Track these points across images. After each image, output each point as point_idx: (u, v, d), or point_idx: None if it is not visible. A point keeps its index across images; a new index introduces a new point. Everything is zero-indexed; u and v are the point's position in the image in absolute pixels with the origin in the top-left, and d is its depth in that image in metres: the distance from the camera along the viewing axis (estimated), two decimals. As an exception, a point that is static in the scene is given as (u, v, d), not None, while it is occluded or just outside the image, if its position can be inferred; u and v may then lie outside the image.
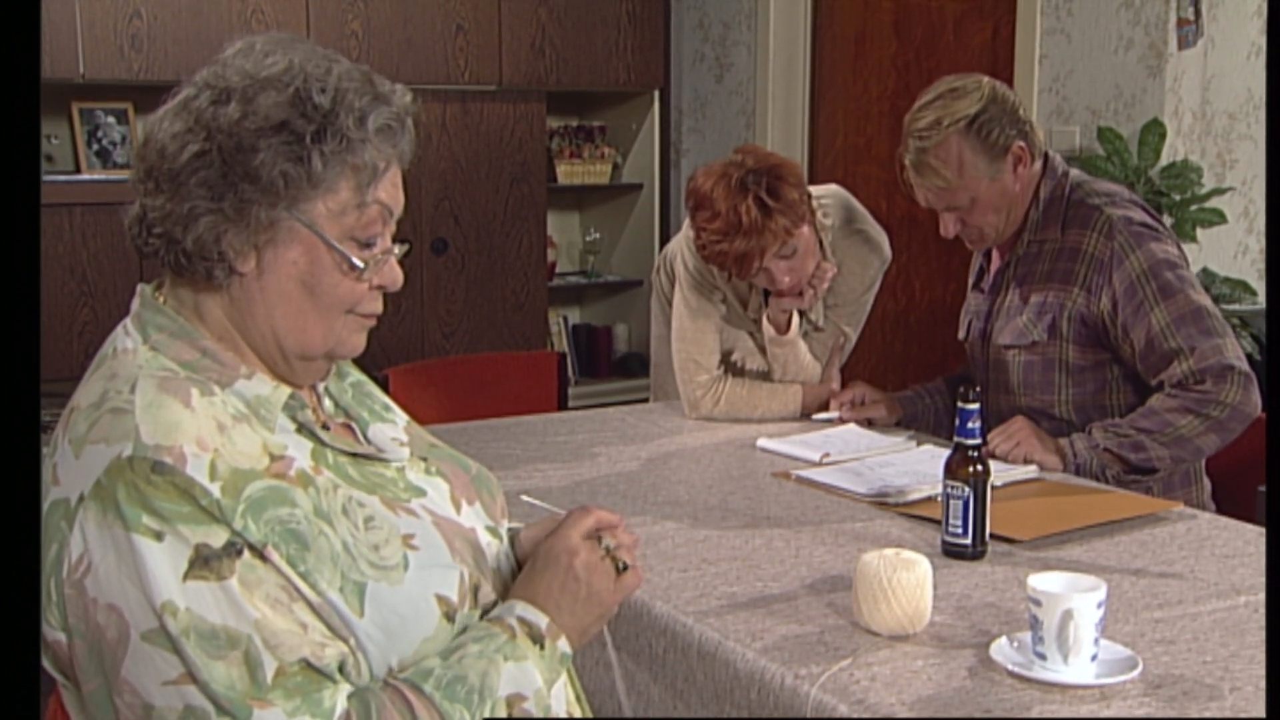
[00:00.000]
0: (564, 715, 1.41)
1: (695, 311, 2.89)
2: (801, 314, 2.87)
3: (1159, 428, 2.40)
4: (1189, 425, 2.39)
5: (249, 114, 1.27)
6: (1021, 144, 2.49)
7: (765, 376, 2.93)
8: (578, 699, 1.46)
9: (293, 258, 1.30)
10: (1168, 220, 3.64)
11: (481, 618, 1.34)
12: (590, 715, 1.49)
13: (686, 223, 2.91)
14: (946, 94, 2.50)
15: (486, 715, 1.26)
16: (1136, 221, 2.48)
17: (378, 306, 1.38)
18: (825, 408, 2.84)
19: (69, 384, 1.39)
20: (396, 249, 1.37)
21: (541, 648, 1.32)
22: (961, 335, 2.78)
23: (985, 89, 2.49)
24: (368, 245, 1.33)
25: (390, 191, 1.35)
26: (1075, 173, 2.61)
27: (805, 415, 2.86)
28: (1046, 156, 2.57)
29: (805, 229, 2.69)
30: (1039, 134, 2.55)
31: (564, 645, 1.34)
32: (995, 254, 2.65)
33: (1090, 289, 2.47)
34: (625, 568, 1.39)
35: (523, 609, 1.34)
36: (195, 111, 1.29)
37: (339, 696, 1.21)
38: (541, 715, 1.31)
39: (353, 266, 1.32)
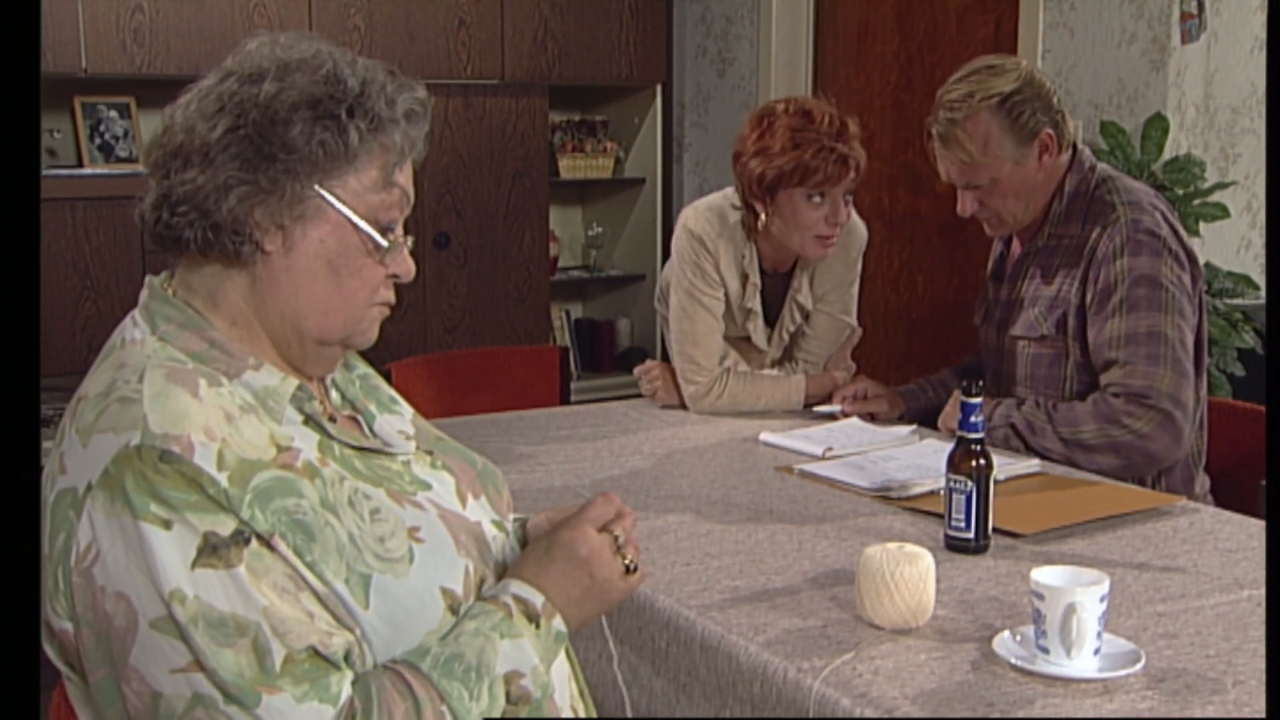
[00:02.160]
0: (568, 705, 1.41)
1: (691, 312, 2.88)
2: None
3: (1067, 422, 2.40)
4: (1091, 433, 2.38)
5: (284, 90, 1.29)
6: (1050, 132, 2.48)
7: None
8: (581, 695, 1.46)
9: (320, 236, 1.32)
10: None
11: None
12: (594, 710, 1.49)
13: (681, 222, 2.91)
14: (984, 70, 2.50)
15: (485, 693, 1.27)
16: (1144, 228, 2.43)
17: (392, 296, 1.40)
18: (829, 399, 2.84)
19: (72, 378, 1.39)
20: (408, 240, 1.38)
21: (537, 626, 1.32)
22: (977, 320, 2.78)
23: (1023, 70, 2.49)
24: (387, 230, 1.36)
25: (408, 179, 1.38)
26: (1104, 168, 2.57)
27: (808, 405, 2.86)
28: (1075, 149, 2.55)
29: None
30: (1070, 126, 2.54)
31: (559, 624, 1.34)
32: (1016, 243, 2.64)
33: (1085, 283, 2.46)
34: (633, 570, 1.39)
35: (518, 586, 1.34)
36: (224, 94, 1.30)
37: (345, 683, 1.22)
38: (540, 693, 1.32)
39: (377, 246, 1.34)
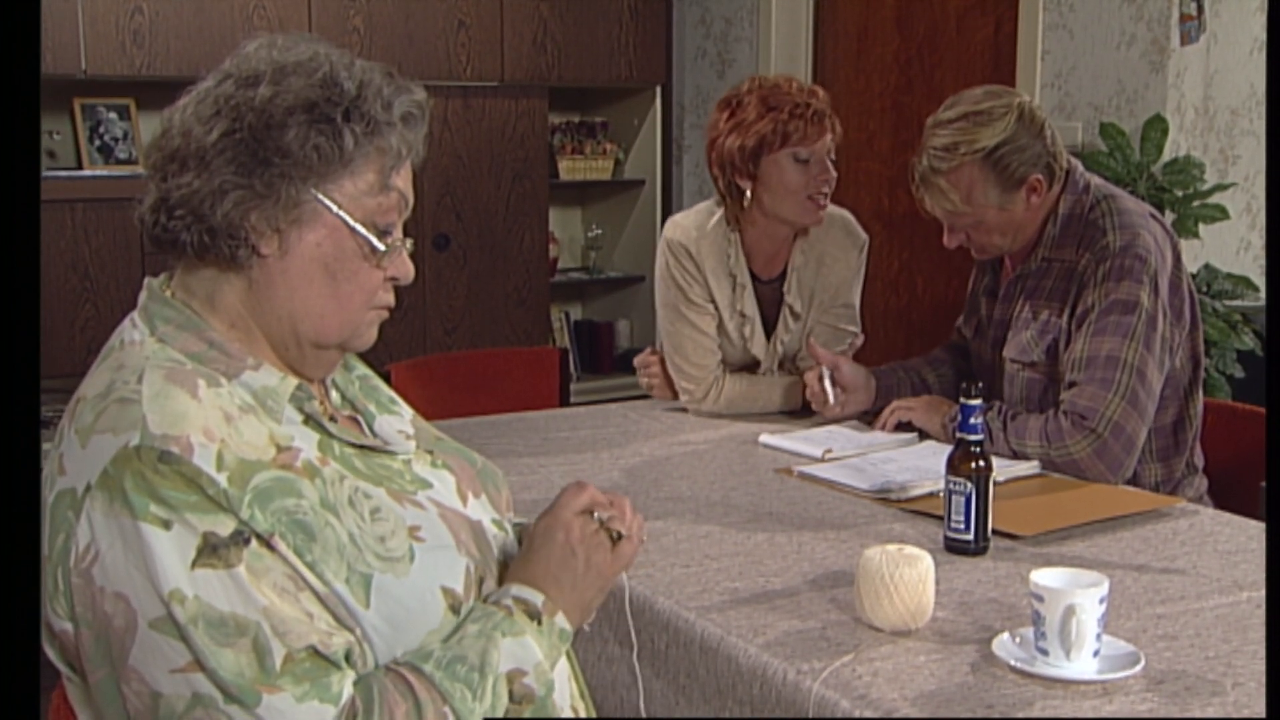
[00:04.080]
0: (568, 705, 1.41)
1: (677, 326, 2.86)
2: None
3: (1016, 434, 2.38)
4: (1033, 449, 2.36)
5: (280, 93, 1.29)
6: (1039, 176, 2.42)
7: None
8: (581, 695, 1.46)
9: (316, 240, 1.32)
10: (1169, 217, 3.63)
11: None
12: (594, 710, 1.49)
13: (662, 237, 2.90)
14: (972, 115, 2.41)
15: (488, 692, 1.27)
16: (1132, 254, 2.38)
17: (391, 299, 1.40)
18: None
19: (71, 380, 1.39)
20: (407, 243, 1.38)
21: (539, 624, 1.33)
22: (968, 333, 2.76)
23: (1012, 115, 2.40)
24: (384, 233, 1.35)
25: (407, 182, 1.37)
26: (1100, 185, 2.52)
27: (807, 406, 2.84)
28: (1069, 171, 2.49)
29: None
30: (1063, 157, 2.46)
31: (562, 621, 1.35)
32: (1008, 262, 2.61)
33: (1074, 308, 2.43)
34: (620, 537, 1.39)
35: (518, 589, 1.35)
36: (221, 97, 1.30)
37: (346, 683, 1.22)
38: (543, 691, 1.32)
39: (374, 250, 1.34)
